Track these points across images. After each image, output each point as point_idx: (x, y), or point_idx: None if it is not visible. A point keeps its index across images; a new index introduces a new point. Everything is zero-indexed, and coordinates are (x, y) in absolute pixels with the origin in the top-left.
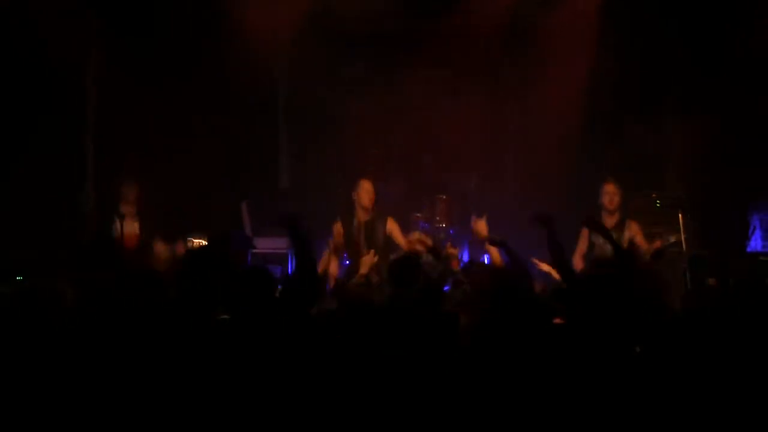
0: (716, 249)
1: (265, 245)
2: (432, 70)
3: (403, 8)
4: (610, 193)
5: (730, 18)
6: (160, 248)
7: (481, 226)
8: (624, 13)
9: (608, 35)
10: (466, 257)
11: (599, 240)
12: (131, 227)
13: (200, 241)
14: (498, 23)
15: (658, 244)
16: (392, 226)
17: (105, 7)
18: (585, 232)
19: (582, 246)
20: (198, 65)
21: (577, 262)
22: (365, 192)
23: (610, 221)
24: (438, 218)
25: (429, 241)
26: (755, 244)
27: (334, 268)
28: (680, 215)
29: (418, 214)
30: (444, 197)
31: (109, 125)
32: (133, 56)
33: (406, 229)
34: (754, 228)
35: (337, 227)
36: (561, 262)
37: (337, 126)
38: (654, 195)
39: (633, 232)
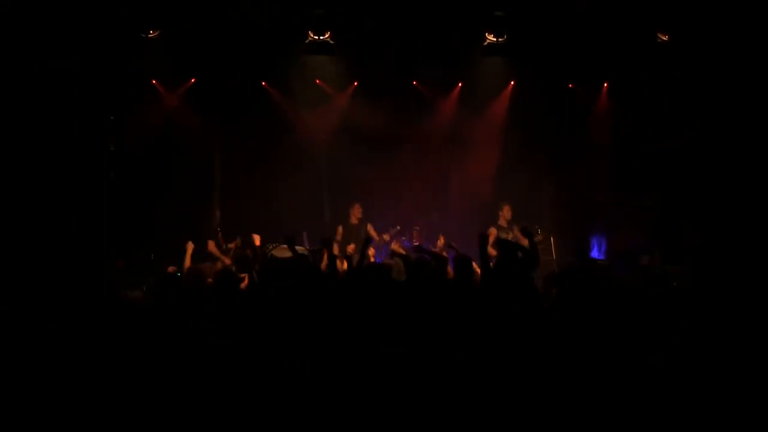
0: (573, 257)
1: None
2: (408, 153)
3: (391, 119)
4: (505, 210)
5: (576, 122)
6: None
7: (440, 240)
8: (517, 118)
9: (509, 132)
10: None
11: (503, 235)
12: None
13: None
14: (444, 128)
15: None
16: (370, 228)
17: (223, 119)
18: (493, 230)
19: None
20: (275, 150)
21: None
22: (356, 210)
23: (504, 223)
24: (414, 239)
25: (402, 251)
26: (594, 254)
27: (336, 251)
28: (552, 238)
29: (403, 237)
30: (417, 228)
31: (227, 182)
32: (238, 144)
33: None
34: (593, 245)
35: (339, 228)
36: (486, 263)
37: (356, 184)
38: (537, 226)
39: (516, 232)
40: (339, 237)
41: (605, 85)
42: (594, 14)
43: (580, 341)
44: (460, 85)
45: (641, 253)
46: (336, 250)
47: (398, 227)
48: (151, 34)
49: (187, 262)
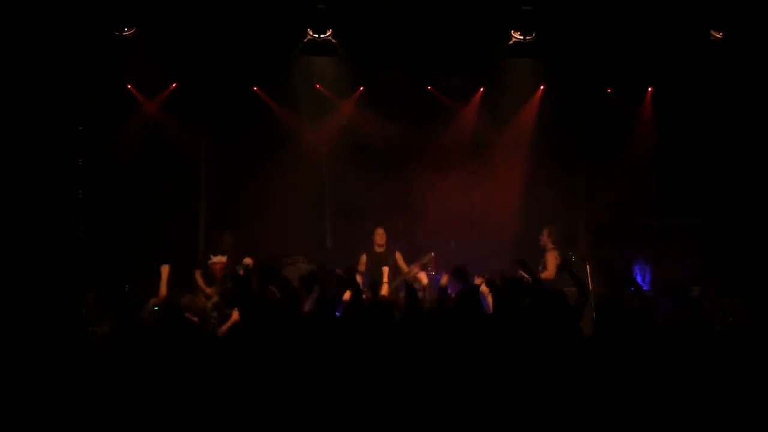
0: (611, 287)
1: None
2: (422, 171)
3: (403, 129)
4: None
5: (616, 133)
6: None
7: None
8: (547, 128)
9: (538, 144)
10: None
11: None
12: (221, 259)
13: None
14: (465, 140)
15: (560, 259)
16: (399, 257)
17: (209, 130)
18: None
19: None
20: (270, 165)
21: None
22: (379, 235)
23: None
24: (429, 267)
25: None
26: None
27: (361, 282)
28: (587, 265)
29: (430, 269)
30: (433, 254)
31: (214, 202)
32: (228, 159)
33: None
34: (635, 274)
35: (363, 257)
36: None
37: (363, 206)
38: (570, 252)
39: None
40: (362, 267)
41: (649, 90)
42: (637, 8)
43: (615, 388)
44: (482, 90)
45: (692, 284)
46: (359, 280)
47: (432, 254)
48: (126, 31)
49: (163, 290)
